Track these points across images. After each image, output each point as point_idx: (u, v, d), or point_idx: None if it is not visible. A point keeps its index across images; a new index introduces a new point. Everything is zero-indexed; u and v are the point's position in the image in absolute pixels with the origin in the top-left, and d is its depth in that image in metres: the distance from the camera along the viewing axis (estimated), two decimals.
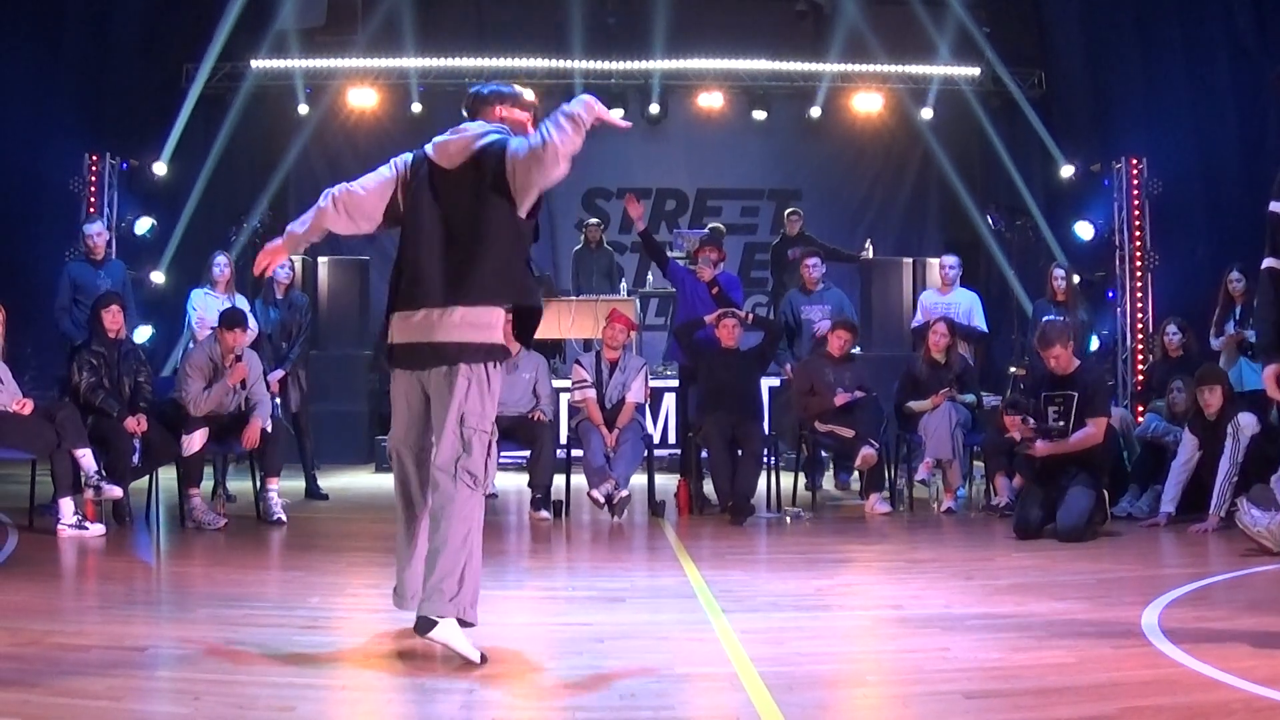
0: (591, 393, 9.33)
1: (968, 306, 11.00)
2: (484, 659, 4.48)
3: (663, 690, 4.22)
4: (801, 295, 11.19)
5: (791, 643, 4.92)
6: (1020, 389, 9.29)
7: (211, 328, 8.86)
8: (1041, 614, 5.45)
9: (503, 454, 4.86)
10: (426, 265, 4.69)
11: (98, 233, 9.89)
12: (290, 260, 10.38)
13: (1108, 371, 13.16)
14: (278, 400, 9.97)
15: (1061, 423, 8.02)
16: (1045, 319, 9.27)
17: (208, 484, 8.95)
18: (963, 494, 9.62)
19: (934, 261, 12.25)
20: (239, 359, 8.49)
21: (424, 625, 4.51)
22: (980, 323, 11.09)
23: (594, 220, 14.86)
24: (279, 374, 9.87)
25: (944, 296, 11.18)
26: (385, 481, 11.77)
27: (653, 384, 10.54)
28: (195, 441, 8.26)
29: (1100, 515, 8.03)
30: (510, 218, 4.67)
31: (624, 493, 8.93)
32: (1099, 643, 4.84)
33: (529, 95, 5.03)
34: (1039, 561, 7.01)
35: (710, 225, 14.43)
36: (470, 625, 4.56)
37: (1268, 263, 4.96)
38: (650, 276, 15.56)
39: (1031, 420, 8.11)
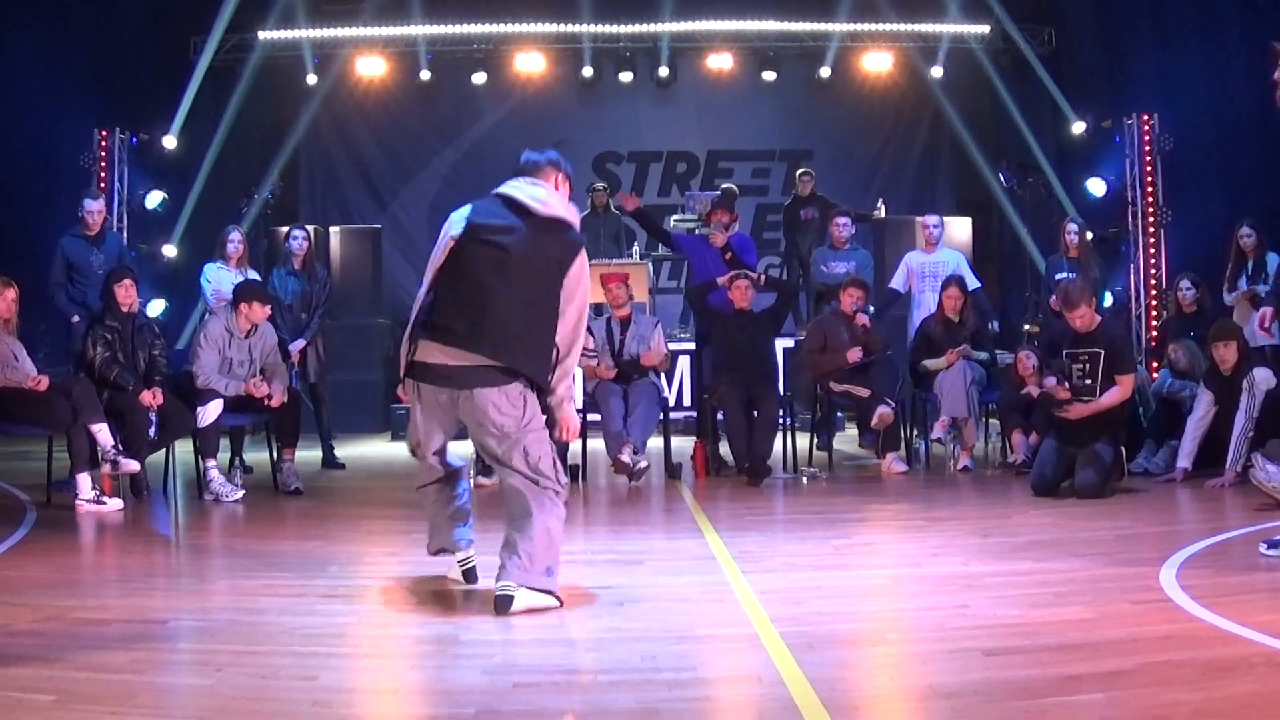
0: (596, 360, 9.29)
1: (954, 265, 10.87)
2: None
3: (684, 652, 4.23)
4: (830, 252, 11.44)
5: (811, 602, 4.94)
6: (1035, 346, 9.21)
7: (226, 300, 8.85)
8: (1060, 570, 5.46)
9: None
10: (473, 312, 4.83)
11: (97, 209, 9.83)
12: (306, 230, 10.42)
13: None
14: (296, 370, 9.98)
15: (1089, 381, 7.97)
16: (1061, 277, 9.15)
17: (224, 456, 8.97)
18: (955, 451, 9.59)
19: (918, 220, 12.09)
20: (255, 330, 8.52)
21: (503, 603, 4.68)
22: (969, 278, 10.85)
23: (600, 185, 14.55)
24: (300, 344, 9.87)
25: (930, 256, 11.09)
26: (401, 449, 11.85)
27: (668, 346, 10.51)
28: (210, 413, 8.28)
29: (1117, 472, 8.03)
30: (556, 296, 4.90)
31: (644, 463, 8.90)
32: (1117, 599, 4.85)
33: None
34: (1056, 519, 7.01)
35: (723, 187, 14.36)
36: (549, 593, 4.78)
37: None
38: None
39: (1066, 383, 8.05)
